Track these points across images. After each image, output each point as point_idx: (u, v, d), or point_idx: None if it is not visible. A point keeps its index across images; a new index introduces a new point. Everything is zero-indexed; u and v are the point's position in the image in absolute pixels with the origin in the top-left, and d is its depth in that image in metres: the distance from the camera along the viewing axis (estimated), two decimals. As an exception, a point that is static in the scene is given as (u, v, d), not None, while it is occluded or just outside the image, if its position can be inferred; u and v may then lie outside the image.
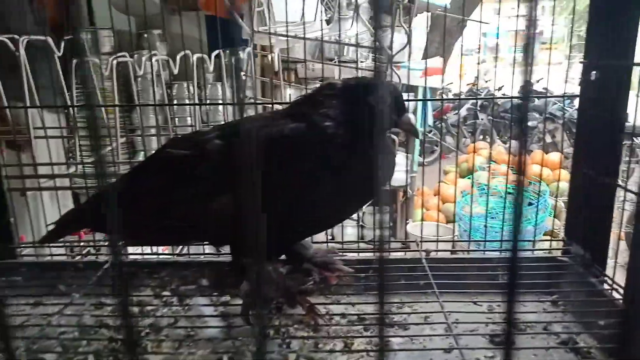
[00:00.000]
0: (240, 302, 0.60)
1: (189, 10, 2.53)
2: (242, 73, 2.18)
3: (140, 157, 2.40)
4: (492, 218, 2.52)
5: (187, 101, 2.50)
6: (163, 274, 0.67)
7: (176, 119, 2.48)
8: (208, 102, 2.45)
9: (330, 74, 2.68)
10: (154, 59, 2.52)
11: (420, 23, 2.81)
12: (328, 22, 2.53)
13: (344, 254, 0.71)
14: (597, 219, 0.68)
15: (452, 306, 0.61)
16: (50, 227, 0.59)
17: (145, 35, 2.51)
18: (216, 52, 1.92)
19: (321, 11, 2.57)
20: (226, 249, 0.71)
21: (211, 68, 2.28)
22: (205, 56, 2.40)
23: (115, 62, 2.48)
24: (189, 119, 2.61)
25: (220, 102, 2.42)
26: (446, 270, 0.66)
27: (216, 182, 0.53)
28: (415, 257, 0.70)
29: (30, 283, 0.64)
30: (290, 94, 2.61)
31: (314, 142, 0.52)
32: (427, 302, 0.63)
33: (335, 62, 2.56)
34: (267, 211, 0.55)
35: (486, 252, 0.77)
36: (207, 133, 0.57)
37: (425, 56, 2.70)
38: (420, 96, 2.63)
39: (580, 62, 0.66)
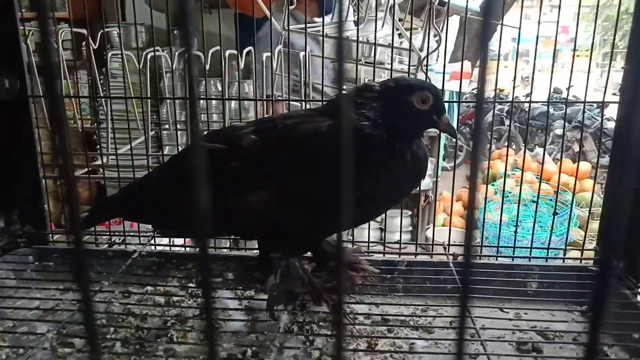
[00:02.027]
0: (265, 296, 0.61)
1: (219, 8, 2.56)
2: (274, 71, 2.18)
3: (166, 151, 2.44)
4: (516, 226, 2.46)
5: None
6: (189, 266, 0.68)
7: (202, 114, 2.52)
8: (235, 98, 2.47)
9: (356, 74, 2.67)
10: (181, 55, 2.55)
11: (450, 26, 2.77)
12: (356, 22, 2.53)
13: (369, 254, 0.70)
14: (632, 229, 0.66)
15: (479, 312, 0.60)
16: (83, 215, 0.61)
17: (176, 31, 2.55)
18: (247, 49, 1.93)
19: (350, 12, 2.57)
20: (251, 243, 0.72)
21: (242, 65, 2.30)
22: (235, 53, 2.42)
23: (147, 56, 2.53)
24: (215, 115, 2.65)
25: (249, 99, 2.45)
26: (473, 276, 0.65)
27: (250, 177, 0.54)
28: (442, 260, 0.69)
29: (60, 269, 0.66)
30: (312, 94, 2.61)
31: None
32: (453, 306, 0.62)
33: (361, 62, 2.56)
34: (299, 207, 0.55)
35: (514, 259, 0.75)
36: (242, 128, 0.58)
37: (454, 60, 2.67)
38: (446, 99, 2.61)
39: (622, 68, 0.64)
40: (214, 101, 2.63)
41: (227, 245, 0.77)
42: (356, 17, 2.62)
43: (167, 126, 2.41)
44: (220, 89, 2.68)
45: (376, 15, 2.78)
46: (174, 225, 0.58)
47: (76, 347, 0.53)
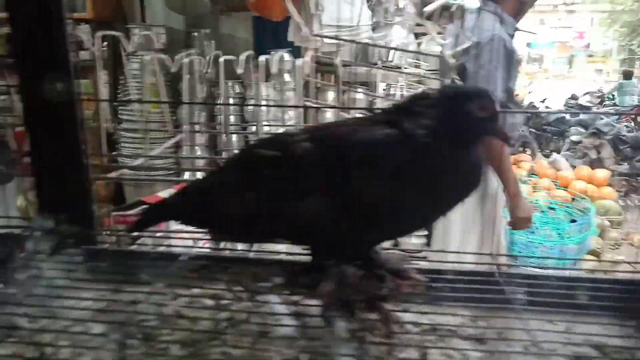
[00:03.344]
0: (313, 302, 0.61)
1: (237, 11, 2.59)
2: (307, 75, 2.17)
3: (184, 152, 2.46)
4: (532, 233, 2.45)
5: (230, 100, 2.54)
6: (235, 269, 0.68)
7: (220, 116, 2.54)
8: (253, 101, 2.48)
9: (373, 77, 2.68)
10: (200, 58, 2.57)
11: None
12: (374, 27, 2.54)
13: (415, 262, 0.70)
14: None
15: (528, 324, 0.60)
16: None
17: (195, 34, 2.57)
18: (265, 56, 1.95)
19: (368, 16, 2.57)
20: (295, 248, 0.72)
21: (265, 68, 2.31)
22: (252, 56, 2.44)
23: (164, 58, 2.54)
24: (232, 117, 2.65)
25: (264, 102, 2.45)
26: (520, 286, 0.65)
27: (306, 183, 0.54)
28: (489, 270, 0.69)
29: (110, 269, 0.67)
30: (333, 97, 2.62)
31: (406, 150, 0.53)
32: (502, 317, 0.62)
33: (379, 66, 2.56)
34: (354, 213, 0.56)
35: (560, 270, 0.74)
36: (296, 135, 0.58)
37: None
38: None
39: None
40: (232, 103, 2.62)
41: (275, 250, 0.77)
42: (375, 21, 2.62)
43: (196, 127, 2.39)
44: (238, 91, 2.68)
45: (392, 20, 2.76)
46: (229, 229, 0.59)
47: (135, 347, 0.54)
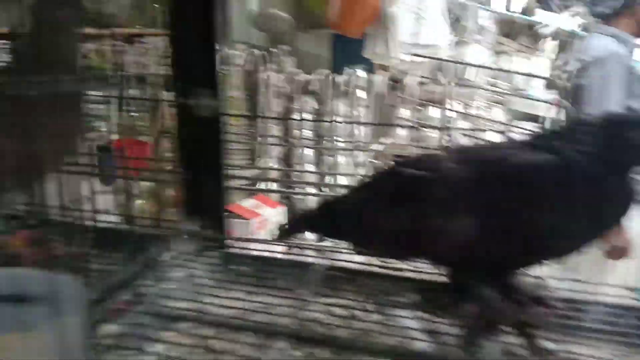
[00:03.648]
0: (449, 321, 0.61)
1: (316, 29, 2.67)
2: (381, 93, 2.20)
3: (259, 163, 2.55)
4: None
5: (307, 115, 2.61)
6: (365, 282, 0.70)
7: (295, 131, 2.61)
8: (328, 117, 2.53)
9: (448, 96, 2.65)
10: (280, 74, 2.68)
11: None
12: (452, 45, 2.52)
13: (553, 290, 0.68)
14: None
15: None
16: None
17: (275, 50, 2.67)
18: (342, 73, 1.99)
19: (446, 34, 2.56)
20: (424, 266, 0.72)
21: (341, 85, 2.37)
22: (329, 72, 2.50)
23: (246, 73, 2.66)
24: (309, 132, 2.72)
25: (340, 118, 2.50)
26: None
27: (455, 204, 0.55)
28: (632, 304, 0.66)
29: (246, 273, 0.71)
30: (405, 114, 2.62)
31: (566, 176, 0.52)
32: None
33: (455, 84, 2.53)
34: (505, 237, 0.55)
35: None
36: (441, 156, 0.60)
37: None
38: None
39: None
40: (309, 119, 2.69)
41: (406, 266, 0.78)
42: (454, 39, 2.60)
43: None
44: (317, 106, 2.74)
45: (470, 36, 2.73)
46: (371, 244, 0.61)
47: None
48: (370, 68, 2.59)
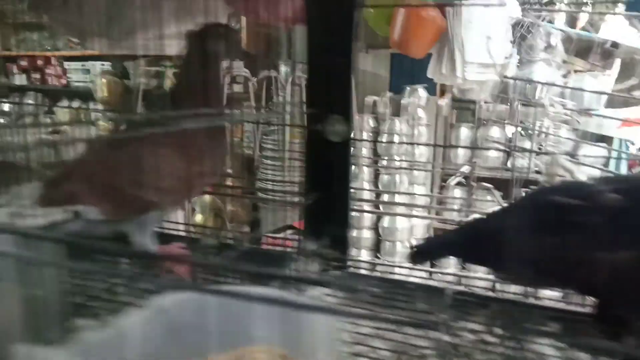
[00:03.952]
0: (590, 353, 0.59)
1: (376, 49, 2.70)
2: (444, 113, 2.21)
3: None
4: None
5: (364, 133, 2.62)
6: (495, 308, 0.69)
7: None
8: (386, 136, 2.54)
9: (511, 116, 2.61)
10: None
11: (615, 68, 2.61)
12: (518, 64, 2.49)
13: None
14: None
15: None
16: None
17: (336, 69, 2.73)
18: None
19: (511, 53, 2.53)
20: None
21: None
22: (387, 92, 2.51)
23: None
24: (364, 150, 2.73)
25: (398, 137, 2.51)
26: None
27: (613, 236, 0.54)
28: None
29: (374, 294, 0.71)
30: (467, 133, 2.59)
31: None
32: None
33: (519, 104, 2.49)
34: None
35: None
36: (595, 185, 0.59)
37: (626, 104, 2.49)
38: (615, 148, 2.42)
39: None
40: (365, 138, 2.70)
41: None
42: (519, 57, 2.57)
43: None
44: (372, 125, 2.76)
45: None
46: (515, 272, 0.60)
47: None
48: (430, 87, 2.59)
